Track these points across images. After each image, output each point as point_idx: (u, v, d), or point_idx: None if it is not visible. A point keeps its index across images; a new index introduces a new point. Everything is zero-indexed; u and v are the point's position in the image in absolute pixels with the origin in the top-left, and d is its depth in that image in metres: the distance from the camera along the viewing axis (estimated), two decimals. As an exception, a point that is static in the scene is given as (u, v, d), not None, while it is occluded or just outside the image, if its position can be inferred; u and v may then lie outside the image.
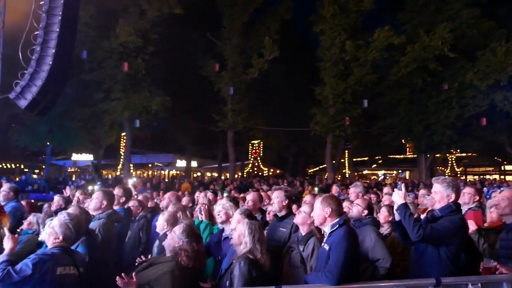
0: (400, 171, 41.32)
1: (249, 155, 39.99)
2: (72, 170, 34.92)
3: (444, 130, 24.45)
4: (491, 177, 30.90)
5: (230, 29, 24.86)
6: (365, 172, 43.64)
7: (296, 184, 20.50)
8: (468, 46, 23.77)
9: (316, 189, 16.64)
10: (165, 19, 22.27)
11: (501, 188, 13.79)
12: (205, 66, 24.92)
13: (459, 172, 39.09)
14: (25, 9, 11.26)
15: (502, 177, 32.92)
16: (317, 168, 43.27)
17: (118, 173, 28.43)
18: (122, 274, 3.15)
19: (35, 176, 25.11)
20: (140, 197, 6.89)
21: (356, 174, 40.15)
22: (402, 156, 41.35)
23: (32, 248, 4.36)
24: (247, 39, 25.53)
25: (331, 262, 3.25)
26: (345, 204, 4.84)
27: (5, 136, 18.33)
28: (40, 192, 19.33)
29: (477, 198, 5.21)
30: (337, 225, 3.41)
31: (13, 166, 31.06)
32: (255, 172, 39.40)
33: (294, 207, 4.93)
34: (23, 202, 6.66)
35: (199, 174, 38.33)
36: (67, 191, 7.93)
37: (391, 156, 42.39)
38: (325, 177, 27.03)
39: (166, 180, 27.68)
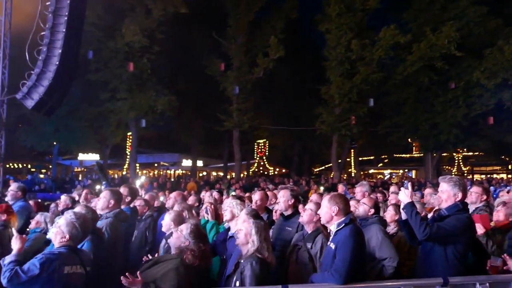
0: (406, 170, 41.17)
1: (255, 155, 40.03)
2: (79, 169, 35.09)
3: (451, 129, 24.30)
4: (498, 176, 30.74)
5: (236, 29, 24.85)
6: (371, 171, 43.53)
7: (302, 183, 20.47)
8: (475, 44, 23.60)
9: (321, 188, 16.59)
10: (170, 18, 22.32)
11: (508, 187, 13.71)
12: (211, 66, 24.93)
13: (466, 171, 38.91)
14: (31, 10, 11.36)
15: (510, 176, 32.73)
16: (323, 167, 43.21)
17: (124, 173, 28.54)
18: (127, 273, 3.17)
19: (41, 176, 25.24)
20: (146, 196, 6.90)
21: (362, 173, 40.11)
22: (408, 155, 41.22)
23: (40, 246, 4.40)
24: (253, 38, 25.52)
25: (337, 261, 3.24)
26: (352, 203, 4.82)
27: (12, 136, 18.42)
28: (47, 191, 19.41)
29: (485, 197, 5.19)
30: (343, 224, 3.40)
31: (20, 166, 31.26)
32: (261, 171, 39.43)
33: (300, 206, 4.92)
34: (31, 202, 6.70)
35: (204, 173, 38.40)
36: (75, 193, 7.99)
37: (397, 155, 42.27)
38: (331, 176, 26.99)
39: (172, 179, 27.74)
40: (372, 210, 4.53)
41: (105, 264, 4.05)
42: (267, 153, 40.54)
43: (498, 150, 32.99)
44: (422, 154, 31.03)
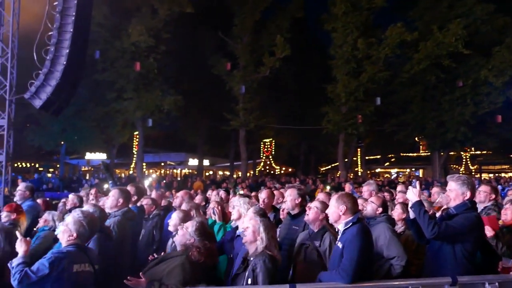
0: (413, 169, 40.99)
1: (261, 154, 40.04)
2: (86, 169, 35.32)
3: (458, 127, 24.16)
4: (506, 175, 30.49)
5: (242, 28, 24.85)
6: (378, 170, 43.37)
7: (309, 182, 20.44)
8: (482, 42, 23.44)
9: (328, 187, 16.56)
10: (176, 18, 22.37)
11: (517, 186, 13.61)
12: (217, 65, 24.97)
13: (473, 170, 38.65)
14: (39, 11, 11.42)
15: (518, 175, 32.45)
16: (329, 167, 43.12)
17: (131, 172, 28.66)
18: (129, 277, 3.20)
19: (49, 175, 25.40)
20: (153, 195, 6.92)
21: (368, 172, 39.97)
22: (415, 154, 41.04)
23: (50, 244, 4.43)
24: (259, 37, 25.52)
25: (345, 260, 3.23)
26: (359, 202, 4.81)
27: (20, 135, 18.56)
28: (55, 191, 19.53)
29: (493, 196, 5.15)
30: (351, 223, 3.38)
31: (28, 165, 31.49)
32: (267, 171, 39.43)
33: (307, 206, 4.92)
34: (39, 201, 6.75)
35: (211, 172, 38.47)
36: (82, 192, 8.03)
37: (404, 154, 42.10)
38: (338, 175, 26.93)
39: (179, 178, 27.82)
40: (380, 209, 4.51)
41: (113, 262, 4.07)
42: (273, 152, 40.55)
43: (506, 149, 32.74)
44: (429, 153, 30.85)
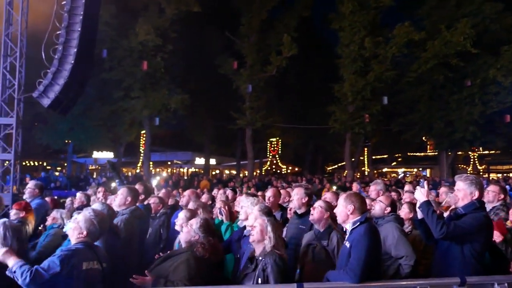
0: (420, 169, 40.77)
1: (268, 153, 40.03)
2: (93, 167, 35.52)
3: (467, 127, 23.99)
4: (515, 175, 30.20)
5: (248, 27, 24.86)
6: (385, 170, 43.19)
7: (315, 181, 20.40)
8: (491, 41, 23.25)
9: (334, 187, 16.53)
10: (183, 17, 22.42)
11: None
12: (224, 64, 25.00)
13: (481, 170, 38.35)
14: (47, 10, 11.49)
15: (527, 175, 32.15)
16: (336, 166, 43.01)
17: (138, 171, 28.77)
18: (134, 275, 3.21)
19: (56, 173, 25.54)
20: (160, 194, 6.94)
21: (375, 172, 39.81)
22: (422, 154, 40.82)
23: (59, 241, 4.46)
24: (265, 36, 25.50)
25: (353, 260, 3.22)
26: (367, 202, 4.79)
27: (28, 134, 18.69)
28: (62, 189, 19.65)
29: (502, 196, 5.11)
30: (358, 223, 3.37)
31: (35, 164, 31.69)
32: (273, 170, 39.42)
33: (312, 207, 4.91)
34: (47, 199, 6.80)
35: (217, 171, 38.52)
36: (90, 191, 8.07)
37: (411, 154, 41.87)
38: (344, 174, 26.85)
39: (185, 177, 27.88)
40: (389, 209, 4.49)
41: (120, 261, 4.08)
42: (279, 152, 40.52)
43: (515, 149, 32.47)
44: (436, 153, 30.66)
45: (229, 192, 7.86)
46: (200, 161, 36.94)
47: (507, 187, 14.56)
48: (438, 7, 24.80)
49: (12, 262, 3.05)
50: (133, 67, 21.83)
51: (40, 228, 5.39)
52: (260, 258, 3.38)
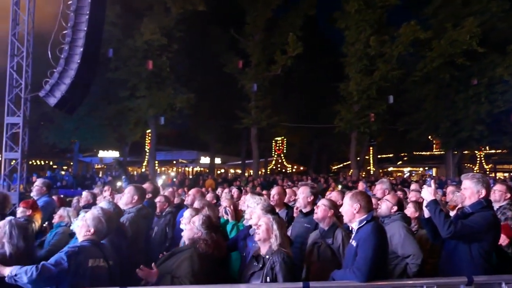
0: (426, 168, 40.56)
1: (273, 152, 40.00)
2: (99, 166, 35.67)
3: (473, 126, 23.86)
4: (521, 174, 29.99)
5: (254, 26, 24.85)
6: (390, 169, 43.03)
7: (321, 181, 20.38)
8: (498, 39, 23.09)
9: (339, 186, 16.50)
10: (188, 17, 22.43)
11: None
12: (229, 63, 25.02)
13: (488, 169, 38.09)
14: (53, 10, 11.55)
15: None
16: (341, 165, 42.91)
17: (143, 170, 28.86)
18: (141, 266, 3.21)
19: (62, 172, 25.66)
20: (166, 193, 6.95)
21: (381, 171, 39.68)
22: (428, 153, 40.57)
23: (67, 239, 4.48)
24: (270, 35, 25.49)
25: (359, 259, 3.20)
26: (373, 201, 4.77)
27: (35, 133, 18.79)
28: (69, 188, 19.74)
29: (509, 195, 5.06)
30: (365, 221, 3.35)
31: (42, 163, 31.85)
32: (278, 169, 39.39)
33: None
34: (54, 197, 6.83)
35: (222, 170, 38.56)
36: (96, 189, 8.11)
37: (417, 153, 41.62)
38: (350, 174, 26.79)
39: (190, 177, 27.92)
40: (395, 208, 4.45)
41: (126, 259, 4.09)
42: (284, 151, 40.49)
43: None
44: (442, 152, 30.49)
45: (234, 191, 7.87)
46: (205, 160, 37.00)
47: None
48: (444, 5, 24.62)
49: (8, 270, 3.02)
50: (138, 67, 21.88)
51: (44, 225, 5.41)
52: (267, 256, 3.37)
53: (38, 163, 30.73)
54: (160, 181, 15.56)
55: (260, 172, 29.20)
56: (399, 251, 4.02)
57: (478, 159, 37.54)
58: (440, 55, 22.60)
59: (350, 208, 3.42)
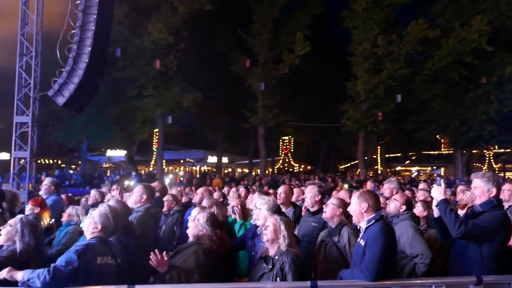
0: (434, 167, 40.28)
1: (280, 151, 39.96)
2: (107, 165, 35.86)
3: (482, 125, 23.66)
4: (531, 174, 29.72)
5: (261, 25, 24.81)
6: (398, 168, 42.80)
7: (328, 180, 20.32)
8: (507, 38, 22.86)
9: (346, 185, 16.44)
10: (195, 16, 22.46)
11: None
12: (236, 62, 25.00)
13: (497, 169, 37.76)
14: (61, 10, 11.63)
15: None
16: (349, 164, 42.77)
17: (151, 169, 28.95)
18: (156, 250, 3.21)
19: (71, 171, 25.82)
20: (174, 192, 6.97)
21: (388, 170, 39.47)
22: (436, 152, 40.32)
23: (77, 238, 4.50)
24: (278, 34, 25.45)
25: (367, 258, 3.19)
26: (381, 200, 4.74)
27: (43, 133, 18.92)
28: (77, 187, 19.88)
29: (518, 195, 5.02)
30: (373, 220, 3.33)
31: (51, 162, 32.08)
32: (286, 168, 39.34)
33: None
34: (63, 196, 6.88)
35: (230, 170, 38.61)
36: (104, 188, 8.15)
37: (425, 152, 41.37)
38: (357, 173, 26.69)
39: (198, 176, 27.97)
40: (404, 207, 4.42)
41: (134, 258, 4.10)
42: (292, 150, 40.43)
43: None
44: (451, 151, 30.28)
45: (242, 190, 7.87)
46: (212, 159, 37.04)
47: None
48: (452, 3, 24.42)
49: (20, 274, 3.02)
50: (146, 66, 21.95)
51: (51, 222, 5.43)
52: (276, 257, 3.36)
53: (47, 162, 30.97)
54: (167, 180, 15.62)
55: (267, 172, 29.17)
56: (407, 250, 4.00)
57: (487, 158, 37.23)
58: (449, 54, 22.42)
59: (358, 207, 3.41)
